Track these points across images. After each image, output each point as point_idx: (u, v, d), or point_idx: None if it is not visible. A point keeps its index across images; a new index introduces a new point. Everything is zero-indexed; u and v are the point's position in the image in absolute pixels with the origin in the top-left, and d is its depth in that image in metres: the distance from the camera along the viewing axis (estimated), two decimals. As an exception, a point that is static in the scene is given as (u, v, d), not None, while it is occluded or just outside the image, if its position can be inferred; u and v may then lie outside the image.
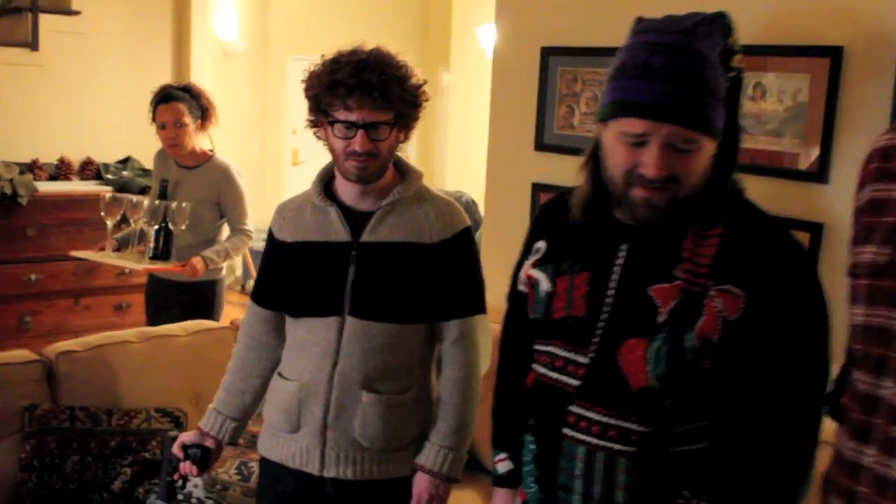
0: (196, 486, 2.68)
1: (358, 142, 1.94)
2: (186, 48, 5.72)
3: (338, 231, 2.04)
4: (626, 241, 1.53)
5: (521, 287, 1.68)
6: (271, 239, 2.15)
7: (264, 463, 2.17)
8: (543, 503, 1.57)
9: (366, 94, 1.92)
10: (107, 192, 3.70)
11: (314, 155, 8.62)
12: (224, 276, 3.86)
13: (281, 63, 7.94)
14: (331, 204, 2.05)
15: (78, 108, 5.21)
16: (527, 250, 1.69)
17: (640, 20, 1.51)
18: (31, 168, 4.98)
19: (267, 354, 2.18)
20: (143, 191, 5.09)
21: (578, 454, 1.51)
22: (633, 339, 1.47)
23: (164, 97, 3.65)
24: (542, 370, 1.60)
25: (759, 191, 2.68)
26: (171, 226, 3.52)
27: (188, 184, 3.69)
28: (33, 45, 5.06)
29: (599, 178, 1.52)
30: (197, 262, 3.57)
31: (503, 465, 1.76)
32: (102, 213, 3.55)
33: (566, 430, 1.52)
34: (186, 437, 2.18)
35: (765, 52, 2.70)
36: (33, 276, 4.69)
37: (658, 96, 1.39)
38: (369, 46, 2.01)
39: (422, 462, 2.06)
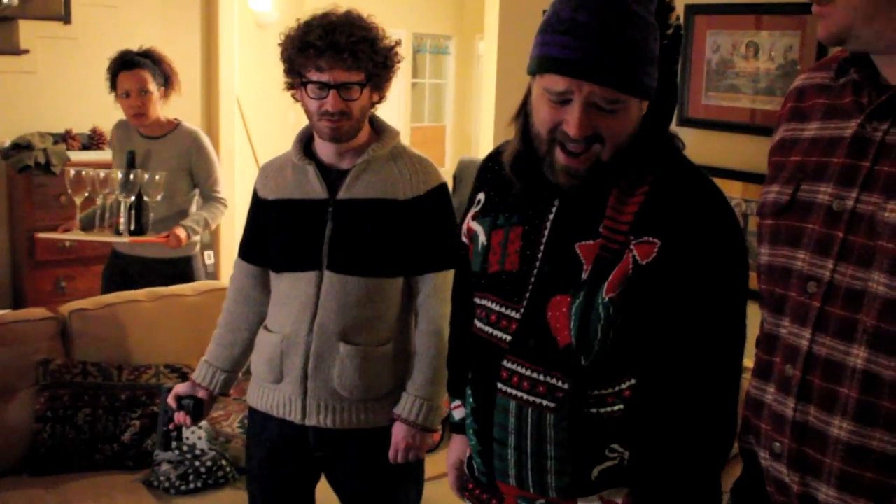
0: (200, 438, 2.79)
1: (330, 102, 2.01)
2: (215, 20, 5.81)
3: (315, 188, 2.10)
4: (558, 196, 1.51)
5: (464, 238, 1.68)
6: (255, 197, 2.23)
7: (252, 412, 2.26)
8: (482, 455, 1.59)
9: (336, 55, 1.98)
10: (70, 168, 3.49)
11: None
12: (199, 251, 3.72)
13: (316, 34, 8.00)
14: (309, 162, 2.12)
15: (110, 81, 5.33)
16: (470, 201, 1.68)
17: None
18: (65, 138, 5.12)
19: (254, 308, 2.26)
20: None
21: (511, 409, 1.50)
22: (559, 295, 1.46)
23: (126, 63, 3.48)
24: (478, 324, 1.61)
25: (753, 150, 2.72)
26: (145, 198, 3.36)
27: (158, 154, 3.54)
28: (66, 17, 5.19)
29: (529, 133, 1.49)
30: (180, 232, 3.44)
31: (458, 412, 1.80)
32: (70, 191, 3.38)
33: (500, 385, 1.52)
34: (180, 388, 2.27)
35: (756, 11, 2.70)
36: (68, 243, 4.84)
37: (581, 53, 1.35)
38: (342, 9, 2.07)
39: (398, 412, 2.13)
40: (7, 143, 5.00)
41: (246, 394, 2.29)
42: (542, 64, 1.41)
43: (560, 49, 1.37)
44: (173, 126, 3.62)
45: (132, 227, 3.38)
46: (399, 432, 2.13)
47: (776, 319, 1.22)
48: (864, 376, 1.08)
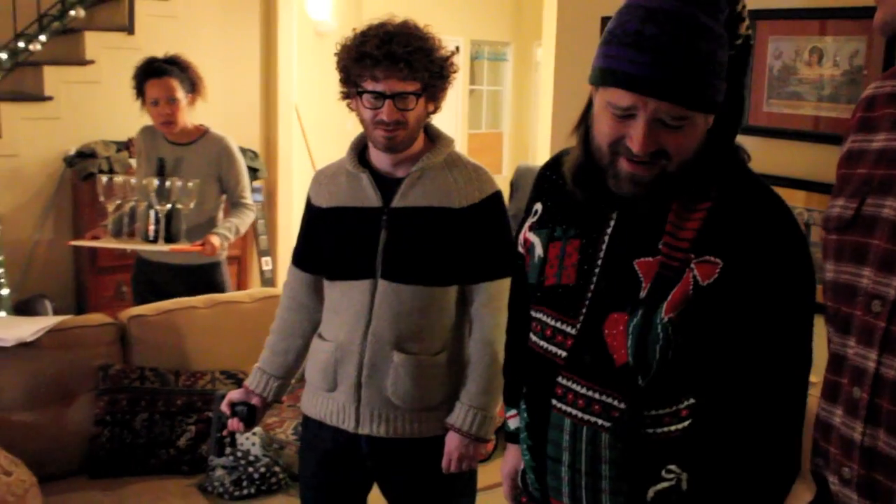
0: (254, 444, 2.80)
1: (385, 111, 2.00)
2: (274, 29, 5.88)
3: (370, 197, 2.10)
4: (616, 209, 1.46)
5: (520, 249, 1.65)
6: (309, 205, 2.23)
7: (305, 420, 2.26)
8: (536, 472, 1.56)
9: (392, 64, 1.98)
10: (102, 175, 3.51)
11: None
12: (225, 258, 3.68)
13: (374, 42, 8.05)
14: (363, 170, 2.11)
15: (171, 89, 5.43)
16: (527, 211, 1.65)
17: None
18: (128, 146, 5.22)
19: (308, 315, 2.26)
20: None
21: (565, 427, 1.47)
22: (617, 313, 1.42)
23: (153, 71, 3.46)
24: (533, 338, 1.57)
25: (816, 158, 2.65)
26: (178, 205, 3.36)
27: (189, 161, 3.51)
28: (129, 29, 5.31)
29: (590, 144, 1.44)
30: (215, 239, 3.40)
31: (513, 422, 1.77)
32: (102, 198, 3.39)
33: (554, 402, 1.48)
34: (234, 394, 2.28)
35: (821, 16, 2.63)
36: (129, 249, 4.93)
37: (648, 69, 1.28)
38: (399, 19, 2.07)
39: (452, 421, 2.11)
40: (72, 151, 5.12)
41: (300, 401, 2.29)
42: (606, 77, 1.34)
43: (626, 63, 1.30)
44: (201, 133, 3.60)
45: (164, 236, 3.37)
46: (452, 442, 2.12)
47: (842, 339, 1.17)
48: None
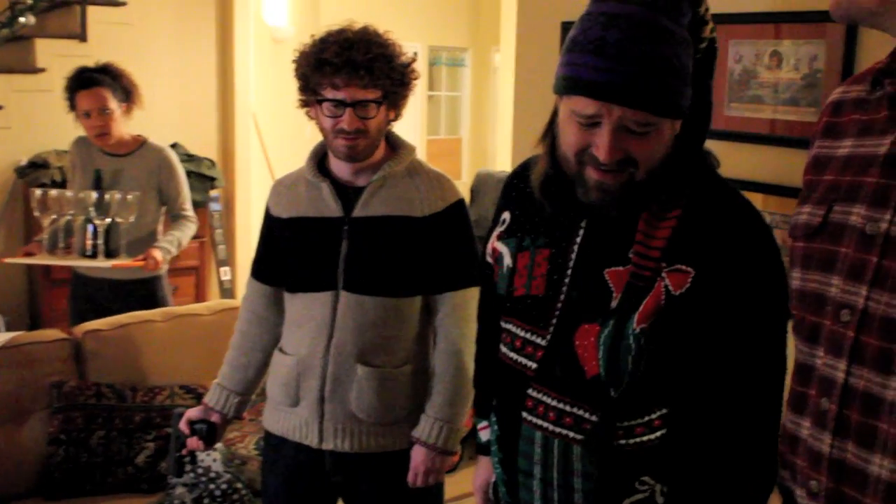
0: (215, 460, 2.74)
1: (346, 120, 1.96)
2: (230, 35, 5.80)
3: (330, 206, 2.06)
4: (585, 218, 1.44)
5: (489, 259, 1.62)
6: (268, 215, 2.18)
7: (267, 436, 2.21)
8: (507, 485, 1.53)
9: (353, 72, 1.94)
10: (36, 189, 3.36)
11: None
12: (166, 271, 3.56)
13: (332, 48, 8.00)
14: (323, 179, 2.07)
15: (126, 97, 5.34)
16: (495, 220, 1.62)
17: None
18: (81, 156, 5.12)
19: (268, 329, 2.21)
20: (186, 176, 5.17)
21: (536, 439, 1.45)
22: (587, 324, 1.39)
23: (84, 82, 3.32)
24: (503, 349, 1.54)
25: (776, 161, 2.65)
26: (117, 219, 3.25)
27: (127, 173, 3.39)
28: (82, 36, 5.20)
29: (556, 154, 1.42)
30: (157, 253, 3.31)
31: (485, 434, 1.73)
32: (37, 213, 3.27)
33: (525, 414, 1.46)
34: (192, 412, 2.22)
35: (780, 20, 2.63)
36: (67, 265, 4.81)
37: (611, 76, 1.26)
38: (358, 25, 2.03)
39: (417, 434, 2.08)
40: (24, 161, 5.00)
41: (262, 415, 2.24)
42: (570, 85, 1.33)
43: (589, 70, 1.29)
44: (139, 143, 3.48)
45: (104, 251, 3.25)
46: (418, 456, 2.08)
47: (810, 349, 1.15)
48: None
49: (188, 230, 3.51)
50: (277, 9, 7.09)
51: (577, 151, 1.35)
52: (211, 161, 5.54)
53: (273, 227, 2.16)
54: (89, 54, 5.19)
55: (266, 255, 2.20)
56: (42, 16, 5.16)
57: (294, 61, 2.05)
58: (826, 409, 1.09)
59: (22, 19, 4.93)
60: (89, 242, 3.25)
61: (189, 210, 3.53)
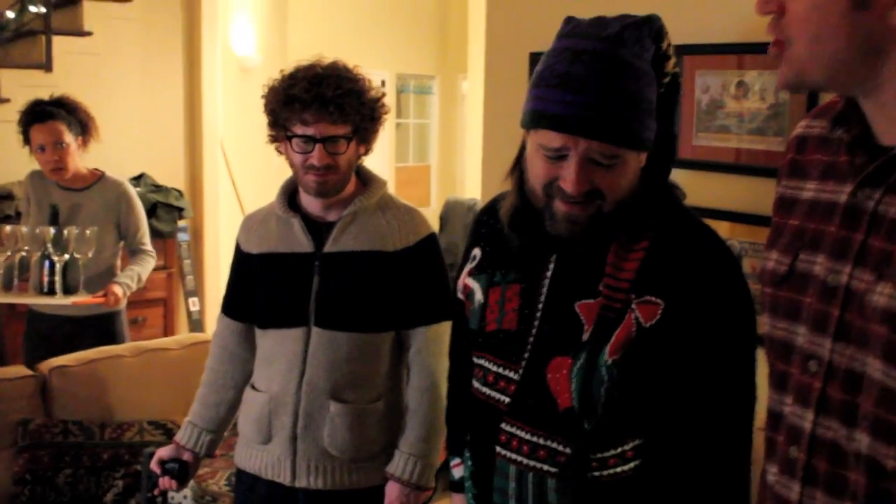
0: (185, 497, 2.70)
1: (316, 156, 1.95)
2: (198, 65, 5.77)
3: (301, 242, 2.04)
4: (555, 252, 1.46)
5: (460, 295, 1.62)
6: (238, 251, 2.16)
7: (239, 473, 2.18)
8: None
9: (322, 108, 1.93)
10: None
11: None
12: (125, 307, 3.49)
13: (300, 77, 8.01)
14: (294, 215, 2.06)
15: (92, 127, 5.30)
16: (465, 257, 1.63)
17: (568, 21, 1.42)
18: (46, 187, 5.07)
19: (239, 366, 2.19)
20: (154, 206, 5.14)
21: (511, 473, 1.44)
22: (560, 357, 1.40)
23: (38, 115, 3.27)
24: (476, 385, 1.55)
25: (743, 189, 2.68)
26: (76, 255, 3.17)
27: (85, 208, 3.33)
28: (47, 66, 5.15)
29: (525, 188, 1.44)
30: (117, 289, 3.26)
31: (458, 471, 1.72)
32: (9, 252, 3.16)
33: (499, 449, 1.46)
34: (163, 451, 2.18)
35: (745, 51, 2.67)
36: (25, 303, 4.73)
37: (576, 109, 1.30)
38: (327, 60, 2.03)
39: (391, 471, 2.06)
40: (-16, 189, 4.93)
41: (233, 449, 2.21)
42: (536, 119, 1.36)
43: (554, 104, 1.32)
44: (97, 177, 3.41)
45: (60, 287, 3.18)
46: (392, 492, 2.06)
47: (780, 396, 1.15)
48: (869, 462, 1.00)
49: (147, 265, 3.45)
50: (245, 38, 7.09)
51: (545, 184, 1.37)
52: (179, 191, 5.50)
53: (244, 262, 2.14)
54: (55, 84, 5.15)
55: (236, 291, 2.18)
56: (6, 45, 5.12)
57: (263, 97, 2.04)
58: (795, 457, 1.09)
59: (-15, 50, 4.89)
60: (45, 279, 3.18)
61: (148, 244, 3.48)
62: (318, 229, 2.05)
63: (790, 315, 1.11)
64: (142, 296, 5.15)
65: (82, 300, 3.20)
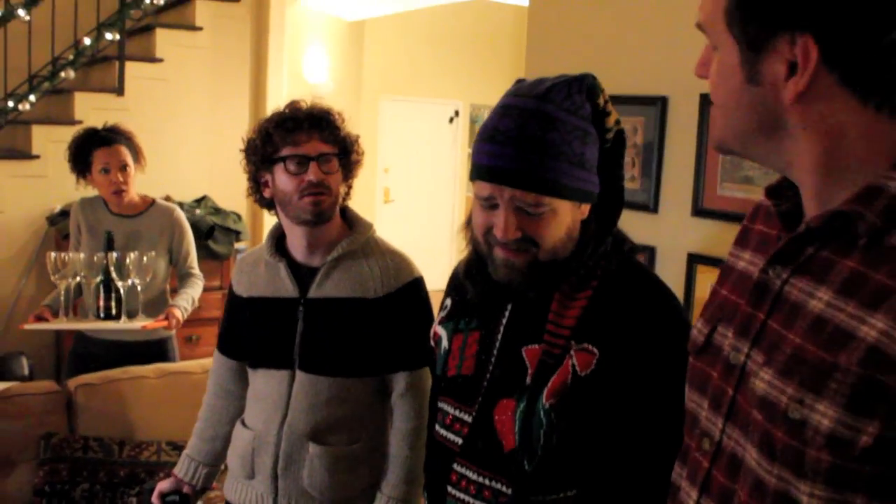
0: (192, 519, 2.76)
1: (312, 171, 1.99)
2: (263, 91, 5.96)
3: (286, 287, 2.08)
4: (511, 300, 1.51)
5: (432, 342, 1.67)
6: (230, 292, 2.22)
7: (227, 504, 2.23)
8: None
9: (313, 126, 2.01)
10: (51, 252, 3.29)
11: (405, 193, 8.78)
12: (174, 332, 3.50)
13: (373, 103, 8.15)
14: (280, 259, 2.09)
15: (159, 149, 5.45)
16: (441, 307, 1.69)
17: (517, 81, 1.48)
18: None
19: (234, 402, 2.24)
20: (212, 229, 5.29)
21: None
22: (506, 399, 1.45)
23: (103, 140, 3.35)
24: (437, 427, 1.60)
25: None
26: (135, 280, 3.23)
27: (139, 234, 3.39)
28: (119, 90, 5.40)
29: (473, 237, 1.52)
30: (177, 312, 3.31)
31: None
32: (54, 277, 3.21)
33: (449, 488, 1.51)
34: (163, 485, 2.24)
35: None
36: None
37: (500, 161, 1.38)
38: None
39: None
40: (57, 209, 5.17)
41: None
42: (472, 171, 1.45)
43: (483, 156, 1.41)
44: (148, 204, 3.50)
45: (123, 312, 3.25)
46: None
47: (679, 469, 1.13)
48: None
49: (198, 288, 3.53)
50: (318, 65, 7.26)
51: (484, 232, 1.45)
52: (238, 215, 5.65)
53: (235, 304, 2.19)
54: (125, 108, 5.40)
55: (229, 330, 2.23)
56: (83, 70, 5.37)
57: (244, 145, 2.09)
58: None
59: (62, 73, 5.14)
60: (102, 303, 3.24)
61: (196, 268, 3.56)
62: (303, 274, 2.09)
63: (699, 388, 1.10)
64: (197, 315, 5.30)
65: (152, 324, 3.27)
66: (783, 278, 0.96)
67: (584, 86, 1.42)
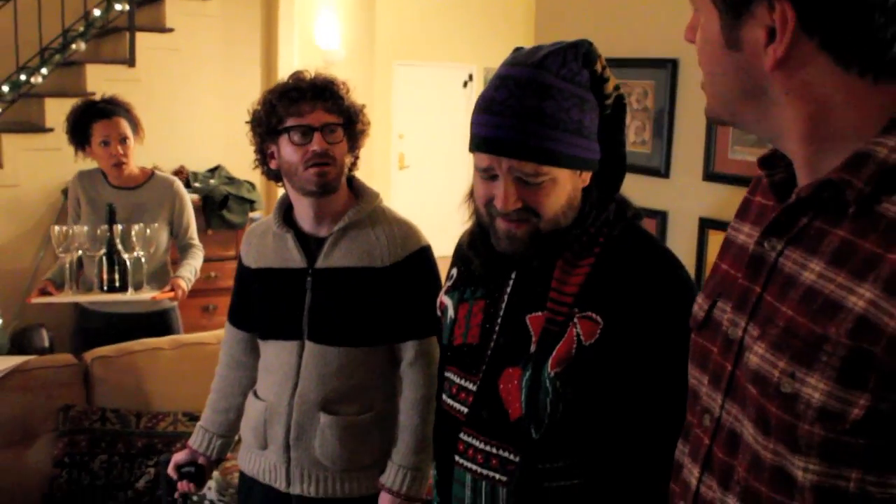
0: (209, 488, 2.80)
1: (316, 141, 1.99)
2: (275, 60, 5.93)
3: (294, 258, 2.09)
4: (515, 269, 1.52)
5: (438, 312, 1.68)
6: (240, 263, 2.23)
7: (241, 475, 2.26)
8: None
9: (317, 97, 2.00)
10: (55, 226, 3.31)
11: (420, 159, 8.75)
12: (177, 303, 3.49)
13: (387, 68, 8.10)
14: (288, 230, 2.10)
15: (172, 120, 5.50)
16: (447, 277, 1.69)
17: (514, 50, 1.47)
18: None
19: (246, 373, 2.25)
20: (226, 199, 5.31)
21: (467, 481, 1.49)
22: (511, 368, 1.46)
23: (102, 112, 3.31)
24: (443, 396, 1.61)
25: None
26: (140, 252, 3.22)
27: (142, 206, 3.38)
28: (130, 61, 5.39)
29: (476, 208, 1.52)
30: (182, 283, 3.31)
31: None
32: (59, 250, 3.21)
33: (457, 457, 1.51)
34: (179, 457, 2.27)
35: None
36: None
37: (497, 131, 1.38)
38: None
39: (383, 481, 2.09)
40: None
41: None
42: (471, 142, 1.45)
43: (481, 127, 1.41)
44: (147, 176, 3.47)
45: (128, 284, 3.25)
46: (384, 502, 2.09)
47: (682, 446, 1.13)
48: None
49: (200, 258, 3.52)
50: (330, 32, 7.21)
51: (485, 203, 1.45)
52: (251, 184, 5.66)
53: (244, 275, 2.20)
54: (137, 78, 5.40)
55: (240, 302, 2.25)
56: (94, 42, 5.36)
57: (250, 116, 2.09)
58: None
59: (73, 45, 5.14)
60: (105, 276, 3.24)
61: (196, 239, 3.55)
62: (311, 244, 2.09)
63: (700, 364, 1.09)
64: (213, 284, 5.36)
65: (158, 295, 3.28)
66: (778, 250, 0.95)
67: (580, 52, 1.41)
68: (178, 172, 5.55)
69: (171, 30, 5.49)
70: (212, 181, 5.47)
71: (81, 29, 5.20)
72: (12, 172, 5.11)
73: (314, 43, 7.05)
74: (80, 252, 3.26)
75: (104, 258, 3.23)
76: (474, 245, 1.55)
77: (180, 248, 3.53)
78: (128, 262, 3.23)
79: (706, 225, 2.84)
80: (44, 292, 3.26)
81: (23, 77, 5.06)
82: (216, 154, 5.72)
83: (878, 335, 0.80)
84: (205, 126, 5.68)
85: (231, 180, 5.56)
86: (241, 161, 5.78)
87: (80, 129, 3.32)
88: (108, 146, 3.30)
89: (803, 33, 0.86)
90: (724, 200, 2.85)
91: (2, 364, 2.95)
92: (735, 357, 0.98)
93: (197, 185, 5.47)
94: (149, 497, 2.89)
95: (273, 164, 2.08)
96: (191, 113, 5.61)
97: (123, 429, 2.97)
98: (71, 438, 2.90)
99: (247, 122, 2.10)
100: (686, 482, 1.07)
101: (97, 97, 3.50)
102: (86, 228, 3.24)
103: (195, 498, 2.78)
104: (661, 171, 2.95)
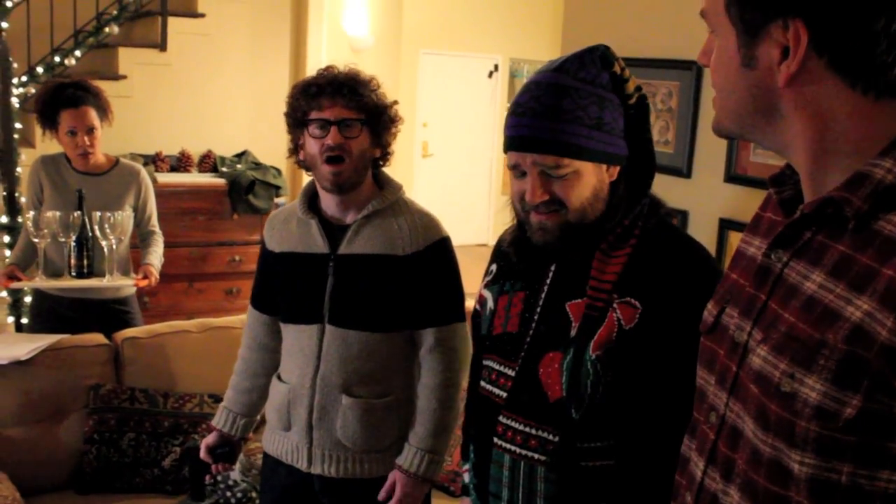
0: (233, 469, 2.88)
1: (330, 136, 2.07)
2: (304, 46, 5.99)
3: (317, 243, 2.16)
4: (555, 262, 1.62)
5: (477, 306, 1.77)
6: (263, 248, 2.30)
7: (265, 456, 2.33)
8: None
9: (336, 92, 2.08)
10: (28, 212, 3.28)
11: (444, 148, 8.80)
12: (134, 290, 3.49)
13: (413, 57, 8.15)
14: (312, 216, 2.18)
15: (200, 105, 5.59)
16: (486, 273, 1.78)
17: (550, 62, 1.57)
18: (154, 160, 5.38)
19: (268, 355, 2.33)
20: (252, 184, 5.38)
21: (505, 462, 1.58)
22: (552, 352, 1.55)
23: (69, 100, 3.23)
24: (482, 383, 1.69)
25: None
26: (113, 238, 3.19)
27: (108, 192, 3.34)
28: (162, 45, 5.47)
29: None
30: (153, 270, 3.32)
31: (468, 476, 1.83)
32: (34, 237, 3.18)
33: (496, 440, 1.60)
34: (210, 440, 2.35)
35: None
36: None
37: (520, 130, 1.51)
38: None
39: (400, 462, 2.17)
40: (102, 163, 5.27)
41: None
42: (504, 144, 1.58)
43: (509, 129, 1.54)
44: (112, 163, 3.43)
45: (94, 270, 3.26)
46: (399, 481, 2.17)
47: (689, 441, 1.20)
48: None
49: (162, 245, 3.54)
50: (358, 19, 7.26)
51: (519, 199, 1.57)
52: (277, 170, 5.74)
53: (267, 259, 2.27)
54: (167, 62, 5.48)
55: (262, 285, 2.32)
56: (126, 25, 5.45)
57: (285, 114, 2.17)
58: (687, 503, 1.13)
59: (107, 29, 5.22)
60: (74, 262, 3.23)
61: (158, 226, 3.54)
62: (334, 231, 2.16)
63: (708, 366, 1.16)
64: (237, 268, 5.46)
65: (133, 282, 3.30)
66: (783, 261, 1.02)
67: (597, 56, 1.51)
68: (206, 157, 5.64)
69: (202, 15, 5.57)
70: (238, 166, 5.55)
71: (115, 12, 5.28)
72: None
73: (342, 30, 7.10)
74: (48, 239, 3.21)
75: (73, 244, 3.23)
76: (515, 242, 1.66)
77: (141, 236, 3.52)
78: (105, 249, 3.21)
79: (726, 226, 2.88)
80: (11, 277, 3.25)
81: (57, 59, 5.15)
82: (243, 139, 5.80)
83: (872, 342, 0.86)
84: (232, 111, 5.76)
85: (257, 166, 5.63)
86: (267, 147, 5.89)
87: (48, 114, 3.28)
88: (74, 136, 3.26)
89: (813, 52, 0.93)
90: (745, 202, 2.89)
91: (35, 342, 3.04)
92: (740, 359, 1.06)
93: (224, 169, 5.56)
94: (174, 475, 2.97)
95: (301, 156, 2.17)
96: (219, 98, 5.70)
97: (151, 408, 3.05)
98: (100, 416, 2.99)
99: (284, 114, 2.18)
100: (692, 475, 1.14)
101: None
102: (58, 214, 3.18)
103: (219, 478, 2.86)
104: (684, 171, 2.99)
